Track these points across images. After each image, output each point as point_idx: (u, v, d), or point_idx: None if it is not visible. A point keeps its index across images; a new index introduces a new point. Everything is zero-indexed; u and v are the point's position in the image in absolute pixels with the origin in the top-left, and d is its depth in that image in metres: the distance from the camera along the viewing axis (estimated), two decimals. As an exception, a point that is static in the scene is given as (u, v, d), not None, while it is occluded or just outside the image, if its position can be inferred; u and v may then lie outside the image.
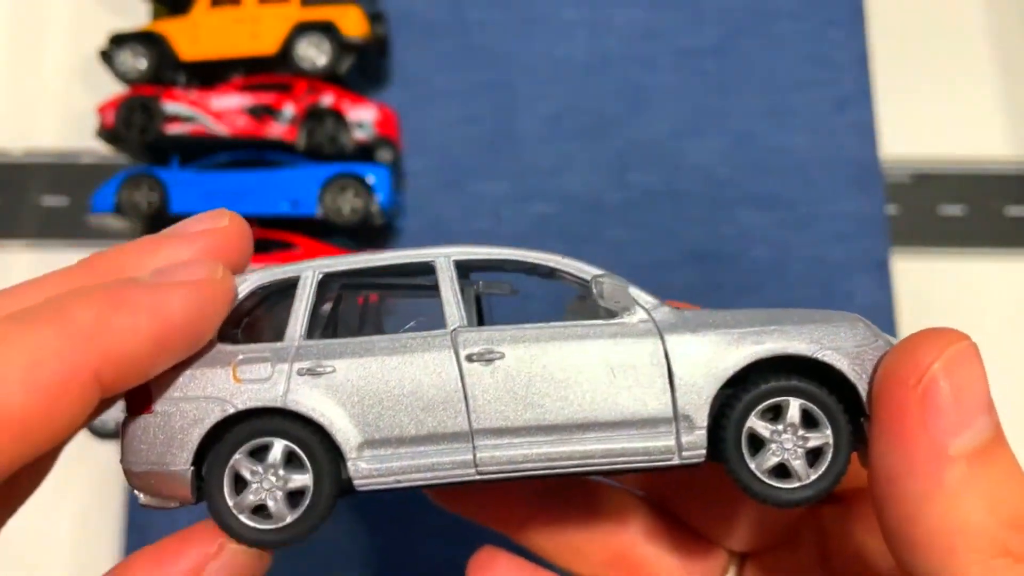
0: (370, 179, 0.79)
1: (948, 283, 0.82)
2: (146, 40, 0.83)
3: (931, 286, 0.82)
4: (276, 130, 0.80)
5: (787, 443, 0.36)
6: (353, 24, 0.82)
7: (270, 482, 0.36)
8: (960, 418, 0.30)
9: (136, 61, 0.83)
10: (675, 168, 0.84)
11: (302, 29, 0.82)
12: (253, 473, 0.36)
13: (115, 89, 0.84)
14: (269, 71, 0.83)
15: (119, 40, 0.83)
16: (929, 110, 0.86)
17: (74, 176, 0.86)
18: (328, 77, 0.82)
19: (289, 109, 0.81)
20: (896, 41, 0.88)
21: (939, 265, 0.82)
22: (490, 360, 0.36)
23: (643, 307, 0.38)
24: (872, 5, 0.88)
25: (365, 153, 0.81)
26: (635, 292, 0.38)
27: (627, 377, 0.36)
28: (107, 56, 0.83)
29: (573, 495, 0.45)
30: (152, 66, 0.83)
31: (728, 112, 0.85)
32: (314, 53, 0.82)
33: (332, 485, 0.36)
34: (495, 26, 0.88)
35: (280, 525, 0.35)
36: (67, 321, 0.29)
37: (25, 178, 0.86)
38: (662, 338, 0.36)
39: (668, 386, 0.36)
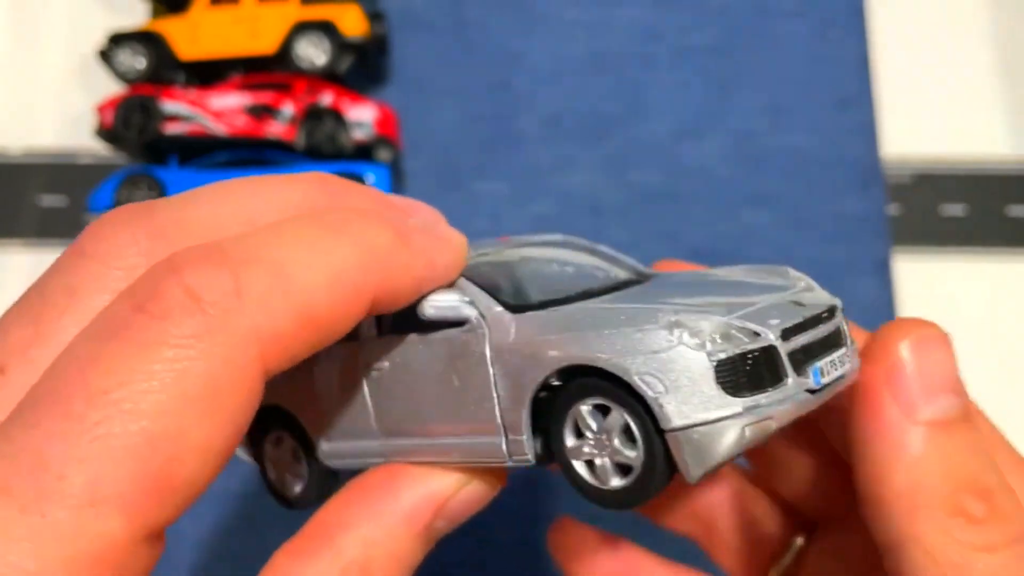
0: (369, 178, 0.78)
1: (949, 283, 0.82)
2: (145, 39, 0.83)
3: (932, 286, 0.81)
4: (275, 129, 0.80)
5: (596, 445, 0.35)
6: (353, 23, 0.82)
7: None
8: (924, 392, 0.34)
9: (135, 60, 0.83)
10: (675, 168, 0.84)
11: (301, 28, 0.82)
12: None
13: (114, 88, 0.84)
14: (268, 70, 0.83)
15: (118, 39, 0.83)
16: (930, 110, 0.86)
17: (72, 176, 0.86)
18: (327, 76, 0.82)
19: (288, 108, 0.80)
20: (896, 41, 0.88)
21: (940, 265, 0.82)
22: (378, 370, 0.39)
23: (480, 313, 0.37)
24: (872, 5, 0.87)
25: (364, 152, 0.81)
26: (476, 293, 0.37)
27: (465, 385, 0.37)
28: (106, 55, 0.83)
29: None
30: (151, 65, 0.82)
31: (728, 112, 0.85)
32: (313, 52, 0.82)
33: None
34: (495, 25, 0.88)
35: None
36: (368, 243, 0.31)
37: (23, 178, 0.86)
38: (489, 347, 0.36)
39: (494, 394, 0.36)
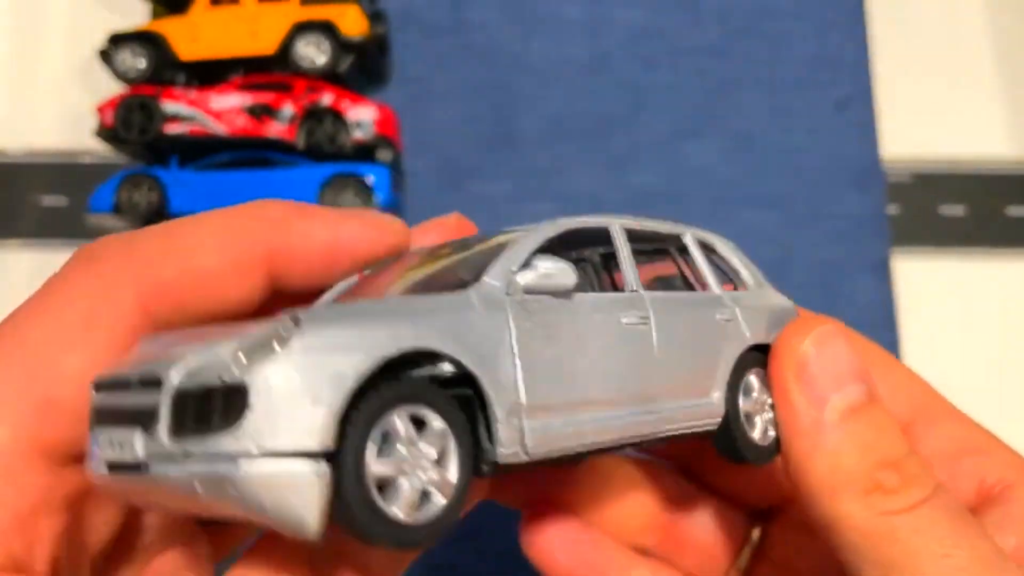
0: (370, 179, 0.79)
1: (949, 283, 0.82)
2: (145, 40, 0.83)
3: (931, 286, 0.81)
4: (275, 130, 0.80)
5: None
6: (352, 23, 0.82)
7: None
8: (830, 384, 0.37)
9: (135, 61, 0.83)
10: (675, 168, 0.84)
11: (301, 28, 0.82)
12: None
13: (114, 89, 0.84)
14: (268, 70, 0.83)
15: (118, 40, 0.83)
16: (930, 110, 0.86)
17: (73, 176, 0.86)
18: (327, 76, 0.82)
19: (288, 109, 0.80)
20: (896, 41, 0.88)
21: (940, 265, 0.82)
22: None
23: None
24: (872, 5, 0.88)
25: (365, 153, 0.81)
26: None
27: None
28: (106, 55, 0.83)
29: (593, 472, 0.46)
30: (151, 65, 0.83)
31: (728, 112, 0.85)
32: (313, 52, 0.82)
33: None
34: (495, 26, 0.88)
35: None
36: (260, 213, 0.37)
37: (24, 178, 0.86)
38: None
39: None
